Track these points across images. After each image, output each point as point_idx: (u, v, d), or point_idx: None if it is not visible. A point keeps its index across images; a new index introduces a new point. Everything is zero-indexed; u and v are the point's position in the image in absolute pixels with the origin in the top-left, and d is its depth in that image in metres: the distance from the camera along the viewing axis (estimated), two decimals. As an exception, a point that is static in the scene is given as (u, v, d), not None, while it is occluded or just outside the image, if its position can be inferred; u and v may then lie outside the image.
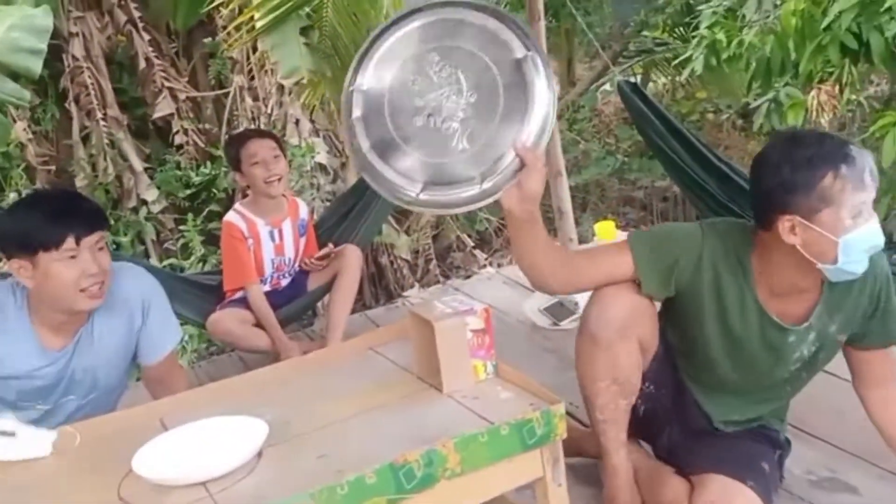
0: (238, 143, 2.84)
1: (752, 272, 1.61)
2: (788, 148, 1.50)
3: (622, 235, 3.04)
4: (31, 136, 4.28)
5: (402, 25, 1.51)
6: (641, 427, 1.84)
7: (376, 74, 1.52)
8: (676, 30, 6.75)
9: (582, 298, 2.94)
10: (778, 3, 3.83)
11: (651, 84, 7.49)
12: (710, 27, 4.45)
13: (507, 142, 1.43)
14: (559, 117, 4.41)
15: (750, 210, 1.62)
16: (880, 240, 1.49)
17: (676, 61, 5.97)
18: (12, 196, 4.10)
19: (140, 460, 1.40)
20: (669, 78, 7.29)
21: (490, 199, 1.46)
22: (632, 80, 5.15)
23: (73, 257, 1.70)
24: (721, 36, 4.25)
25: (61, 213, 1.72)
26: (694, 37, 5.17)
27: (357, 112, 1.51)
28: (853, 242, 1.46)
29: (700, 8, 4.89)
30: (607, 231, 3.05)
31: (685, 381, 1.83)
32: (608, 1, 7.10)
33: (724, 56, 4.26)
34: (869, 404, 1.77)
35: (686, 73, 5.13)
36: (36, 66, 3.80)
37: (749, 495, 1.63)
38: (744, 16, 4.26)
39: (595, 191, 6.49)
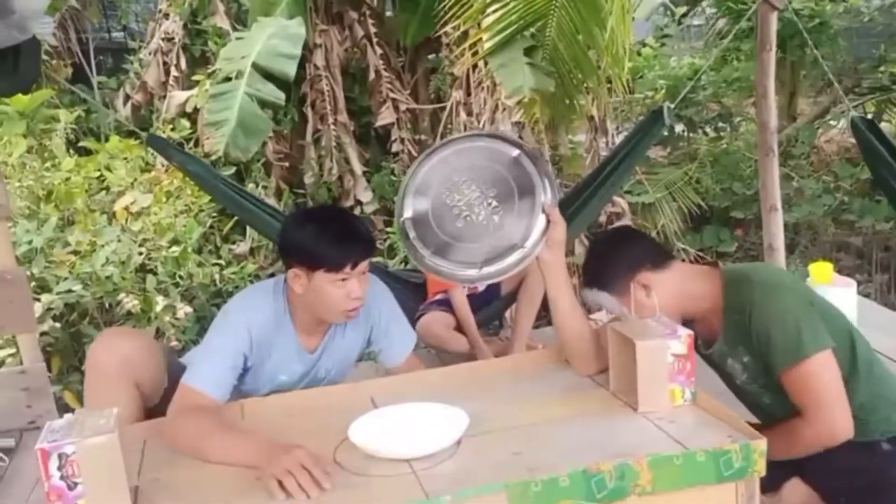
0: None
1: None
2: None
3: (839, 280, 2.86)
4: (270, 134, 4.75)
5: (425, 161, 1.92)
6: None
7: (416, 202, 1.89)
8: (921, 68, 6.20)
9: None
10: None
11: (884, 124, 6.90)
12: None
13: (530, 210, 1.83)
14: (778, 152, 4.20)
15: None
16: None
17: (917, 101, 5.49)
18: (250, 186, 4.60)
19: (355, 431, 1.56)
20: (906, 119, 6.69)
21: (534, 255, 1.84)
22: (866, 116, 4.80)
23: (343, 280, 1.84)
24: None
25: (346, 239, 1.86)
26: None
27: (412, 234, 1.88)
28: None
29: (952, 46, 4.46)
30: (823, 274, 2.83)
31: None
32: (843, 34, 6.65)
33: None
34: None
35: (927, 114, 4.70)
36: (291, 69, 4.31)
37: None
38: None
39: (806, 233, 6.08)
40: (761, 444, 1.40)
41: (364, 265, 1.87)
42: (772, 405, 1.79)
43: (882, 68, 6.58)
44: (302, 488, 1.40)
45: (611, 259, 1.84)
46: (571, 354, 1.89)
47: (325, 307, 1.88)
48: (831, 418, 1.62)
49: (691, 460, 1.39)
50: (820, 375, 1.64)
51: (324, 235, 1.84)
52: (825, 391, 1.63)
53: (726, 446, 1.40)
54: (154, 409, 1.97)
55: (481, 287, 3.16)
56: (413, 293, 3.20)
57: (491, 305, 3.21)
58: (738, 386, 1.84)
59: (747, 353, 1.74)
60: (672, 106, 3.46)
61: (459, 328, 2.98)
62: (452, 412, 1.60)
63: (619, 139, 5.42)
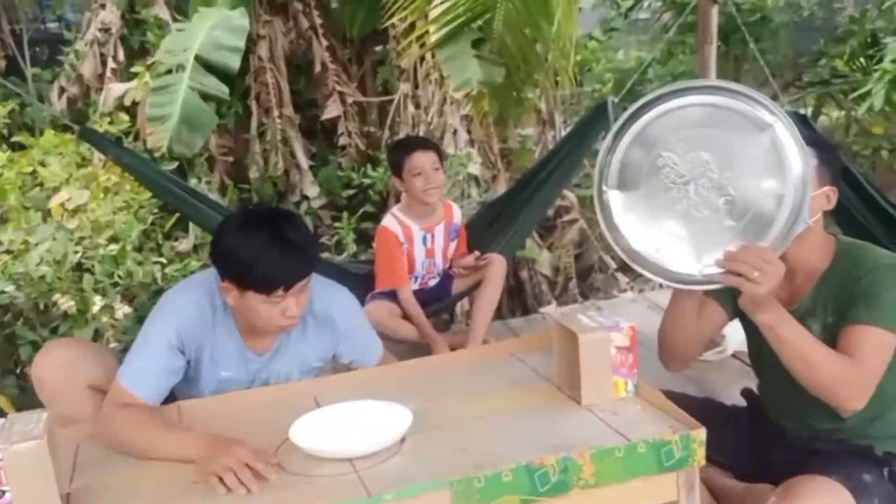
0: (402, 153, 2.98)
1: None
2: None
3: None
4: (214, 128, 4.64)
5: (631, 125, 1.58)
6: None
7: (621, 175, 1.59)
8: (857, 62, 6.38)
9: (729, 331, 2.87)
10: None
11: (824, 117, 7.10)
12: (894, 60, 4.19)
13: (770, 207, 1.50)
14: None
15: None
16: None
17: (854, 94, 5.65)
18: (194, 181, 4.49)
19: (296, 431, 1.53)
20: (844, 112, 6.89)
21: None
22: (801, 111, 4.94)
23: (277, 301, 1.73)
24: (907, 71, 4.00)
25: (279, 260, 1.69)
26: (876, 70, 4.89)
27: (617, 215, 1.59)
28: None
29: (886, 41, 4.60)
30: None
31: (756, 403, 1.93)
32: (784, 28, 6.81)
33: (909, 92, 4.00)
34: None
35: (864, 108, 4.84)
36: (234, 62, 4.23)
37: (836, 487, 1.53)
38: (936, 50, 3.99)
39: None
40: (700, 433, 1.42)
41: (301, 283, 1.74)
42: None
43: (822, 62, 6.76)
44: (242, 483, 1.38)
45: (832, 151, 1.74)
46: (667, 350, 1.84)
47: (260, 323, 1.79)
48: (861, 383, 1.57)
49: (633, 452, 1.40)
50: (880, 347, 1.60)
51: (253, 254, 1.68)
52: (873, 360, 1.58)
53: (667, 437, 1.41)
54: None
55: (432, 282, 3.15)
56: (359, 285, 3.16)
57: (441, 302, 3.20)
58: None
59: (834, 315, 1.68)
60: (616, 100, 3.49)
61: (406, 317, 2.96)
62: (395, 410, 1.58)
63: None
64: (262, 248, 1.68)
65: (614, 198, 1.59)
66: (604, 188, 1.59)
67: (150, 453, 1.56)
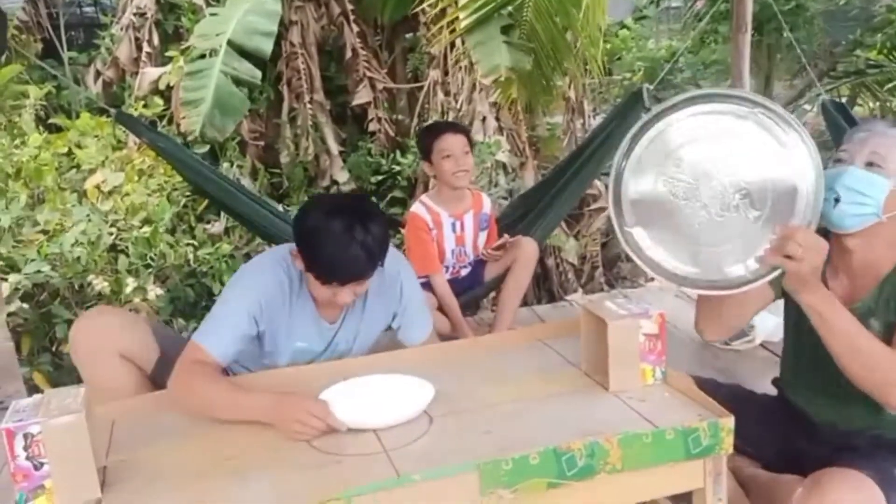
0: (433, 136, 2.97)
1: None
2: None
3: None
4: (246, 113, 4.69)
5: (631, 149, 1.62)
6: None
7: (635, 212, 1.62)
8: (894, 52, 6.26)
9: (758, 321, 2.86)
10: None
11: (858, 108, 6.98)
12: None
13: (788, 183, 1.49)
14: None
15: None
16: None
17: (890, 85, 5.55)
18: (225, 165, 4.54)
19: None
20: (879, 103, 6.77)
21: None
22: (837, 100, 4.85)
23: (331, 288, 1.81)
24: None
25: (342, 261, 1.73)
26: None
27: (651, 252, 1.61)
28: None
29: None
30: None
31: (786, 395, 1.88)
32: (820, 17, 6.69)
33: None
34: None
35: (901, 98, 4.75)
36: (267, 46, 4.27)
37: (864, 481, 1.51)
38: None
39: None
40: (729, 421, 1.42)
41: (358, 283, 1.81)
42: None
43: (857, 52, 6.64)
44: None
45: None
46: (706, 320, 1.80)
47: (315, 294, 1.89)
48: None
49: (660, 438, 1.40)
50: None
51: (321, 242, 1.74)
52: None
53: (695, 424, 1.42)
54: (150, 377, 1.99)
55: (464, 272, 3.15)
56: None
57: (473, 290, 3.19)
58: None
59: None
60: (651, 87, 3.46)
61: (441, 309, 2.97)
62: (419, 383, 1.62)
63: (595, 121, 5.42)
64: (330, 240, 1.73)
65: (639, 234, 1.61)
66: (626, 228, 1.61)
67: (220, 415, 1.62)
